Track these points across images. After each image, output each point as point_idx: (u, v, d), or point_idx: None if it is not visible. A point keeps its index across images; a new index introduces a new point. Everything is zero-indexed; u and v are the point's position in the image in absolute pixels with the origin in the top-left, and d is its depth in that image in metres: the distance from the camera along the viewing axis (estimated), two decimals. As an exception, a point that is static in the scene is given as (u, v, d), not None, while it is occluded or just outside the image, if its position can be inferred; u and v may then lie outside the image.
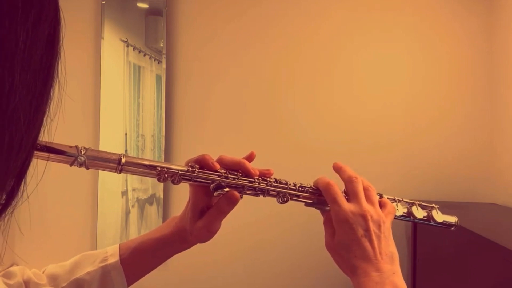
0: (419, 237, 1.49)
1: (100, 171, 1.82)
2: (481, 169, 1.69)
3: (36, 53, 0.28)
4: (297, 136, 1.78)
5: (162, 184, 1.81)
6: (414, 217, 0.59)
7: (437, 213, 0.61)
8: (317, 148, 1.77)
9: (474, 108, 1.71)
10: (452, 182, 1.69)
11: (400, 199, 0.59)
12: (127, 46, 1.83)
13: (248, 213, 1.77)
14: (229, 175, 0.53)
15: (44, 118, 0.31)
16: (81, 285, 0.56)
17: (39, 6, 0.28)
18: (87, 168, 0.46)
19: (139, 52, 1.84)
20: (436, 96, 1.73)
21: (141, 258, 0.58)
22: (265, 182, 0.54)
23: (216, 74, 1.83)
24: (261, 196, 0.55)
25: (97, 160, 0.47)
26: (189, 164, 0.52)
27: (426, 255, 1.44)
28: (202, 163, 0.52)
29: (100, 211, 1.82)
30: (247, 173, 0.53)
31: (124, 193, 1.83)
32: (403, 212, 0.59)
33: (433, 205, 0.61)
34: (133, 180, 1.83)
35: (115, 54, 1.83)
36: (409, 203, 0.60)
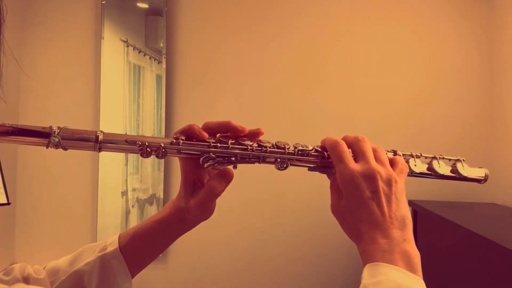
0: (419, 237, 1.49)
1: (100, 171, 1.82)
2: (481, 169, 1.69)
3: None
4: (298, 135, 1.78)
5: (162, 184, 1.81)
6: (436, 173, 0.53)
7: (462, 166, 0.53)
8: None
9: (474, 108, 1.71)
10: (452, 182, 1.69)
11: (419, 154, 0.53)
12: (127, 46, 1.83)
13: (249, 212, 1.77)
14: (219, 144, 0.48)
15: None
16: (81, 277, 0.54)
17: None
18: (65, 149, 0.44)
19: (139, 52, 1.84)
20: (436, 96, 1.73)
21: (141, 243, 0.56)
22: (260, 148, 0.49)
23: (216, 73, 1.83)
24: (256, 164, 0.50)
25: (72, 140, 0.44)
26: (175, 136, 0.48)
27: (426, 255, 1.44)
28: (189, 133, 0.49)
29: (100, 211, 1.82)
30: (234, 131, 0.50)
31: (124, 193, 1.83)
32: (424, 169, 0.52)
33: (458, 157, 0.54)
34: (133, 180, 1.83)
35: (115, 54, 1.83)
36: (429, 158, 0.53)
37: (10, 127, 0.41)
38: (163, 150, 0.47)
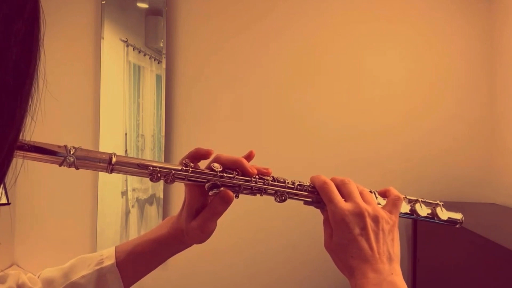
0: (419, 238, 1.49)
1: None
2: (481, 169, 1.69)
3: (11, 51, 0.26)
4: (298, 134, 1.78)
5: (162, 184, 1.81)
6: (418, 214, 0.58)
7: (441, 210, 0.59)
8: (318, 150, 1.77)
9: (475, 108, 1.71)
10: (452, 182, 1.69)
11: (404, 196, 0.58)
12: (127, 46, 1.83)
13: (247, 211, 1.76)
14: (225, 174, 0.51)
15: (24, 120, 0.29)
16: None
17: (12, 1, 0.26)
18: (77, 168, 0.45)
19: (139, 52, 1.84)
20: (436, 97, 1.73)
21: (137, 260, 0.57)
22: (262, 181, 0.53)
23: (216, 73, 1.83)
24: (258, 195, 0.54)
25: (86, 160, 0.46)
26: (183, 162, 0.51)
27: (426, 255, 1.44)
28: (196, 156, 0.52)
29: (100, 211, 1.82)
30: (244, 172, 0.52)
31: (124, 193, 1.83)
32: (407, 210, 0.58)
33: (438, 201, 0.60)
34: (133, 180, 1.83)
35: (115, 54, 1.83)
36: (412, 200, 0.59)
37: (26, 144, 0.41)
38: (172, 176, 0.49)
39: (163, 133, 1.80)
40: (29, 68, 0.28)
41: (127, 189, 1.83)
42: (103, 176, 1.82)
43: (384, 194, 0.55)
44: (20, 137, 0.29)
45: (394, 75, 1.75)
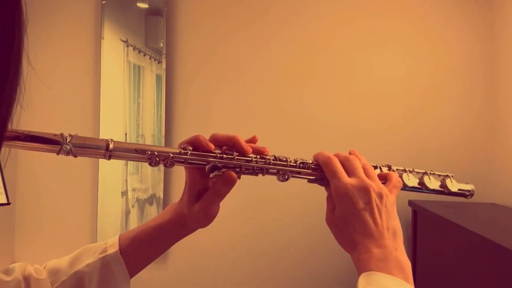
0: (419, 237, 1.49)
1: (100, 171, 1.82)
2: (481, 169, 1.69)
3: None
4: (298, 134, 1.78)
5: (162, 184, 1.81)
6: (427, 187, 0.57)
7: (451, 182, 0.58)
8: (318, 149, 1.76)
9: (474, 108, 1.71)
10: (452, 182, 1.69)
11: (411, 169, 0.57)
12: (127, 46, 1.83)
13: (247, 207, 1.76)
14: (225, 155, 0.50)
15: (10, 109, 0.28)
16: (81, 278, 0.55)
17: None
18: (75, 156, 0.45)
19: (139, 52, 1.84)
20: (436, 96, 1.73)
21: (141, 246, 0.57)
22: (263, 160, 0.52)
23: (216, 73, 1.83)
24: (260, 175, 0.52)
25: (84, 147, 0.45)
26: (182, 146, 0.50)
27: (426, 255, 1.44)
28: (195, 144, 0.51)
29: (100, 211, 1.82)
30: (239, 149, 0.51)
31: (124, 193, 1.83)
32: (416, 183, 0.56)
33: (447, 173, 0.59)
34: (133, 180, 1.83)
35: (115, 54, 1.83)
36: (421, 173, 0.57)
37: (22, 134, 0.41)
38: (171, 159, 0.49)
39: (163, 133, 1.80)
40: (12, 54, 0.27)
41: (127, 189, 1.83)
42: (103, 176, 1.82)
43: (384, 177, 0.53)
44: (10, 127, 0.29)
45: (394, 75, 1.75)
